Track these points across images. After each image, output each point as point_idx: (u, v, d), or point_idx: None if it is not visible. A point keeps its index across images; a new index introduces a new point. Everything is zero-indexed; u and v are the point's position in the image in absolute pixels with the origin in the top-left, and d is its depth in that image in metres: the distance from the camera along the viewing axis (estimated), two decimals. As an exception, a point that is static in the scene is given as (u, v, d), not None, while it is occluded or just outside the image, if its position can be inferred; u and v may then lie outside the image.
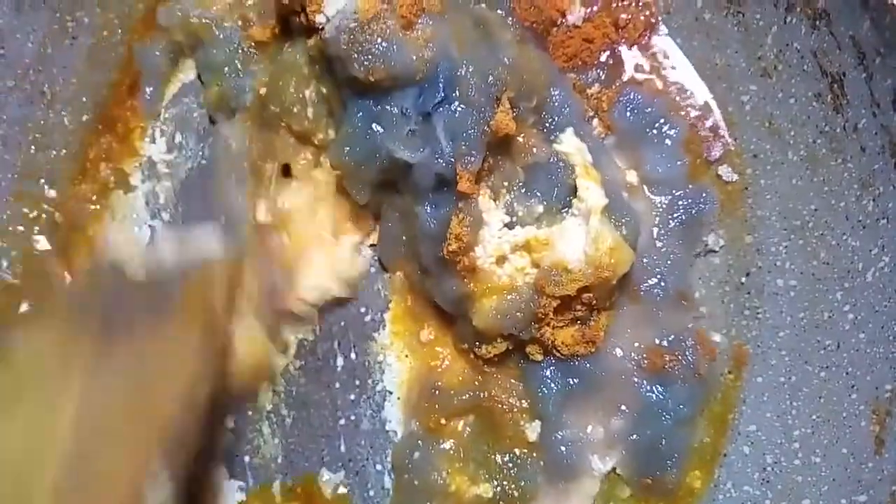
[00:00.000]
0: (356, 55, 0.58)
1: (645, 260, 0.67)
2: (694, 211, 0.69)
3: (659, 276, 0.67)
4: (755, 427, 0.67)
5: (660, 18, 0.71)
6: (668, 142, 0.69)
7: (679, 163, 0.69)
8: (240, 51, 0.71)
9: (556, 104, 0.65)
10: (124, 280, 0.58)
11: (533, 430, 0.66)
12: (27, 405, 0.51)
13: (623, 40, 0.71)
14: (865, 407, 0.61)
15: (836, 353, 0.64)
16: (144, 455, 0.51)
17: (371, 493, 0.70)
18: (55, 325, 0.55)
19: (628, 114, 0.70)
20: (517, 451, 0.67)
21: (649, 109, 0.69)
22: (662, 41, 0.72)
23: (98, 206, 0.74)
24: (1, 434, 0.50)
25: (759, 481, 0.67)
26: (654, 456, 0.66)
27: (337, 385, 0.71)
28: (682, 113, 0.70)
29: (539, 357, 0.65)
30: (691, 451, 0.67)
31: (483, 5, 0.65)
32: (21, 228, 0.72)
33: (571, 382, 0.65)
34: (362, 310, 0.72)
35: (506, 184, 0.63)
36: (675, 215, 0.69)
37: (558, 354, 0.64)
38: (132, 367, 0.54)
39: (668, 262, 0.68)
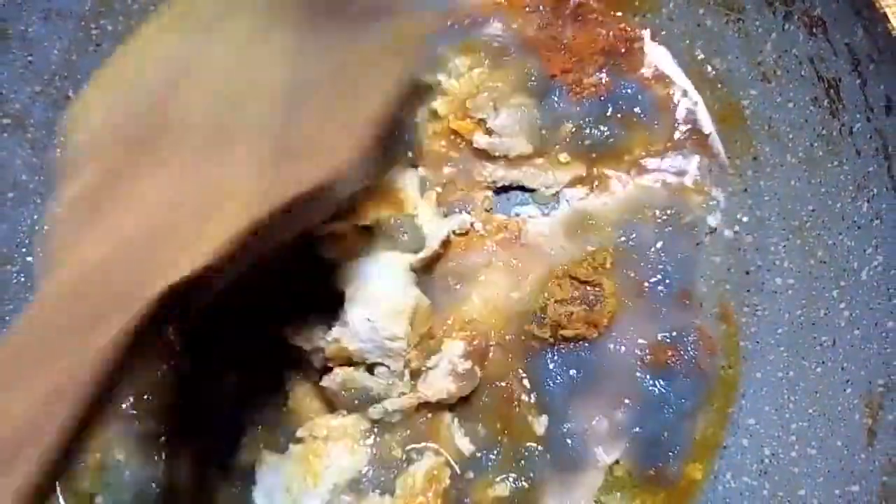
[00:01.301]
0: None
1: (651, 258, 0.70)
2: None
3: (663, 274, 0.70)
4: (754, 420, 0.70)
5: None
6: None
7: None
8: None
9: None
10: None
11: (541, 424, 0.68)
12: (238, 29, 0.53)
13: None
14: (859, 401, 0.63)
15: (831, 349, 0.66)
16: (358, 136, 0.52)
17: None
18: None
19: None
20: (529, 444, 0.69)
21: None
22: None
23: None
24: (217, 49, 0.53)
25: (757, 472, 0.69)
26: (656, 448, 0.68)
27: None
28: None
29: (546, 334, 0.67)
30: (692, 443, 0.69)
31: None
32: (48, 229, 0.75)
33: (575, 376, 0.68)
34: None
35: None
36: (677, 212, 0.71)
37: (564, 335, 0.66)
38: (338, 58, 0.54)
39: (674, 260, 0.70)
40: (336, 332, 0.64)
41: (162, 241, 0.47)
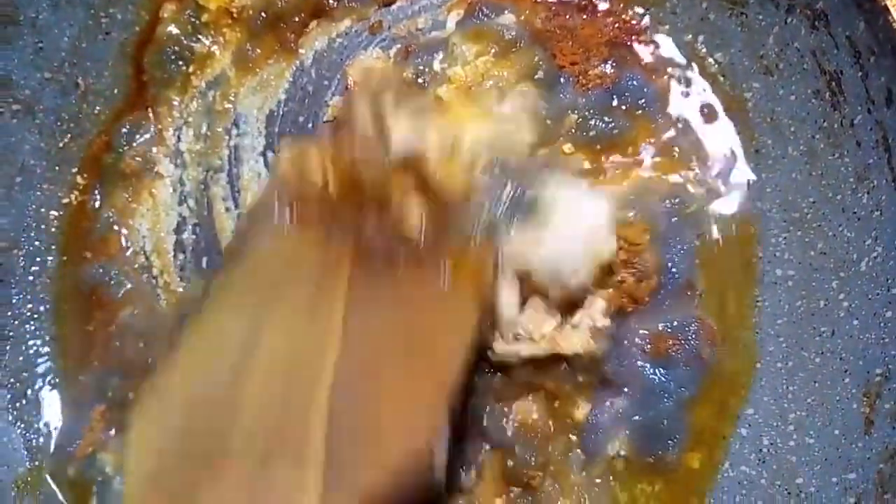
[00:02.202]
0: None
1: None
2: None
3: (671, 265, 0.70)
4: (753, 410, 0.70)
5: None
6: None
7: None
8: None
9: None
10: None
11: (581, 411, 0.69)
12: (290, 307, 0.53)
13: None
14: (857, 390, 0.64)
15: (830, 339, 0.67)
16: (434, 409, 0.50)
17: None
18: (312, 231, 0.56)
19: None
20: (569, 436, 0.70)
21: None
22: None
23: (128, 195, 0.78)
24: (272, 331, 0.52)
25: (755, 462, 0.69)
26: (656, 436, 0.69)
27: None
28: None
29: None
30: (691, 432, 0.70)
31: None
32: (55, 214, 0.76)
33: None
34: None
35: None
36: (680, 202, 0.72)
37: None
38: (402, 309, 0.53)
39: (677, 251, 0.71)
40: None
41: None
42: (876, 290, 0.64)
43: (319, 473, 0.48)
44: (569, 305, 0.67)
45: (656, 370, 0.68)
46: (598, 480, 0.70)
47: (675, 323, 0.69)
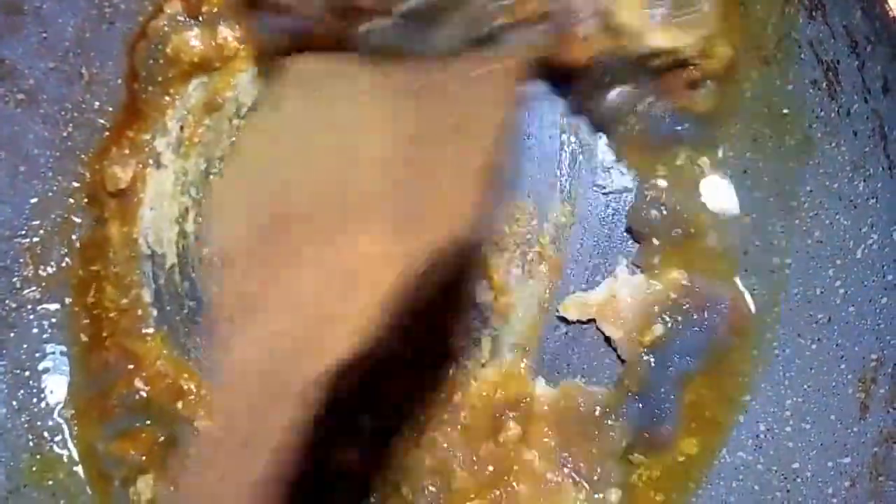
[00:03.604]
0: None
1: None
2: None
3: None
4: (749, 396, 0.71)
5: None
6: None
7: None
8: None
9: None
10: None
11: None
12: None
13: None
14: (853, 376, 0.65)
15: (827, 326, 0.67)
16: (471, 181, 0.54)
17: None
18: None
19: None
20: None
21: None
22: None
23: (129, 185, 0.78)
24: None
25: (752, 447, 0.70)
26: (651, 406, 0.71)
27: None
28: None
29: None
30: (689, 418, 0.71)
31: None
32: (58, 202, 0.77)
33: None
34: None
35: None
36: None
37: None
38: (438, 114, 0.57)
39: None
40: None
41: (316, 331, 0.50)
42: (872, 277, 0.64)
43: (390, 232, 0.52)
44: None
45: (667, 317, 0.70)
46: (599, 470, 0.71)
47: (710, 289, 0.71)
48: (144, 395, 0.74)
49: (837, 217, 0.67)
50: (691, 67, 0.69)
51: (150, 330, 0.76)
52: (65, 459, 0.74)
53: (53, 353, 0.76)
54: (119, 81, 0.78)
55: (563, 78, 0.71)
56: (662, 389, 0.70)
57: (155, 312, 0.77)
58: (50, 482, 0.73)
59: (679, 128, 0.72)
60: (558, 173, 0.75)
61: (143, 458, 0.74)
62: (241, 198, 0.56)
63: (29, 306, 0.76)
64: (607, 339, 0.72)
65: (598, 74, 0.70)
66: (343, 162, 0.55)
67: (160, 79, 0.78)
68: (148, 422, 0.74)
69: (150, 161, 0.78)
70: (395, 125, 0.56)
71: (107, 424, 0.75)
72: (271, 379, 0.48)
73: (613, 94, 0.71)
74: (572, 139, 0.75)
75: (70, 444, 0.75)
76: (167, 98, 0.78)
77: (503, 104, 0.59)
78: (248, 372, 0.49)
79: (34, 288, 0.76)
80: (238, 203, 0.56)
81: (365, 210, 0.53)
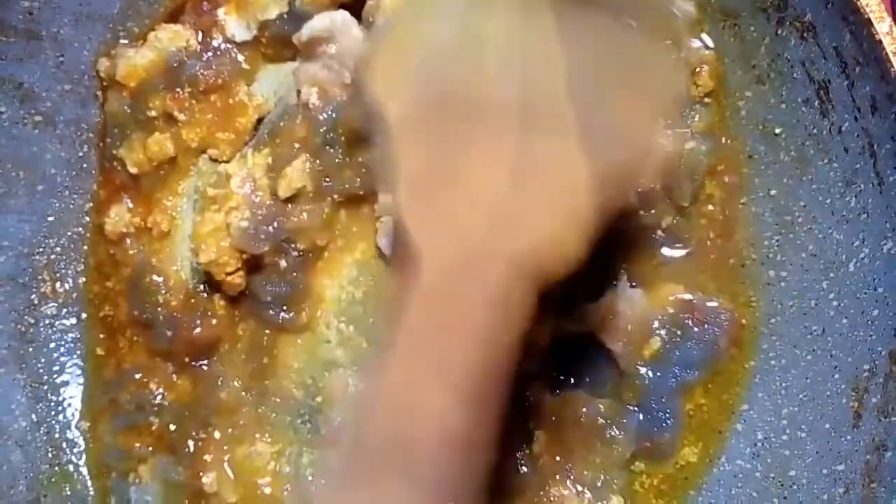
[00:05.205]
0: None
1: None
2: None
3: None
4: (747, 406, 0.73)
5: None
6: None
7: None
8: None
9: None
10: None
11: None
12: None
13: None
14: (846, 385, 0.66)
15: (821, 337, 0.69)
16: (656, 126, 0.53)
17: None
18: None
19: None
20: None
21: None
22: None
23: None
24: None
25: (750, 455, 0.72)
26: (651, 416, 0.73)
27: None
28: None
29: None
30: (688, 427, 0.73)
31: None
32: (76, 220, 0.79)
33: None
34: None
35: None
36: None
37: None
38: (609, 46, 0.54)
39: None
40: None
41: (506, 229, 0.47)
42: (864, 289, 0.66)
43: (579, 145, 0.48)
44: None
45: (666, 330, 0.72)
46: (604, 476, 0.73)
47: (710, 302, 0.73)
48: (160, 398, 0.76)
49: (830, 231, 0.69)
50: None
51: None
52: (82, 470, 0.77)
53: (72, 366, 0.78)
54: (133, 102, 0.80)
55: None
56: (662, 400, 0.72)
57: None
58: (68, 492, 0.76)
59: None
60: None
61: (150, 448, 0.76)
62: (407, 67, 0.51)
63: (47, 321, 0.78)
64: (607, 351, 0.74)
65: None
66: (520, 61, 0.51)
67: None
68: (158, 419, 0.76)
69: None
70: (565, 42, 0.51)
71: (117, 419, 0.76)
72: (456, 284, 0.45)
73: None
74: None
75: (85, 457, 0.77)
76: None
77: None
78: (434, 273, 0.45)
79: (51, 303, 0.78)
80: (404, 69, 0.51)
81: (551, 118, 0.49)
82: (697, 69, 0.73)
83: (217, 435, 0.74)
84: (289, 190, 0.72)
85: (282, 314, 0.74)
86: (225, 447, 0.75)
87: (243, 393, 0.76)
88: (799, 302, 0.71)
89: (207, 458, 0.74)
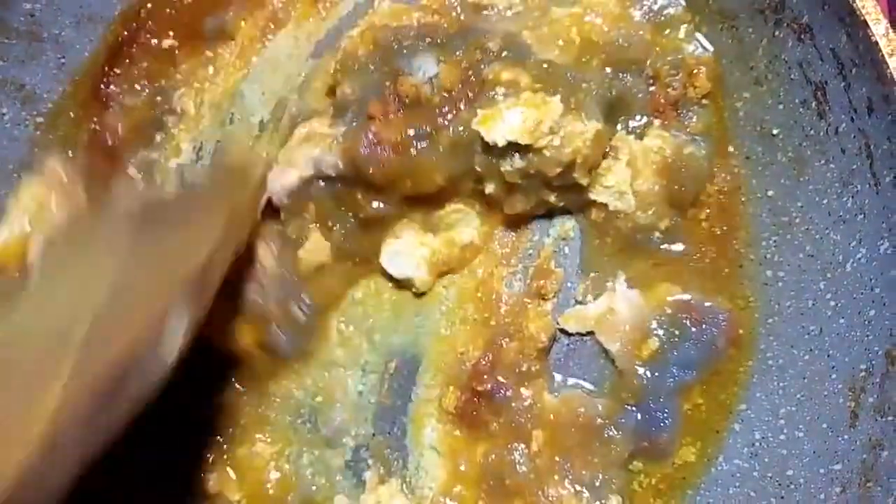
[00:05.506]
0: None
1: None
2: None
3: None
4: (745, 406, 0.73)
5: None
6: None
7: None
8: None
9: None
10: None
11: None
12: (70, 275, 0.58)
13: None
14: (843, 385, 0.67)
15: (818, 337, 0.70)
16: (167, 296, 0.56)
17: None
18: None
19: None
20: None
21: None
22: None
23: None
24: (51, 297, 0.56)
25: (747, 455, 0.73)
26: (649, 415, 0.73)
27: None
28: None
29: None
30: (686, 426, 0.74)
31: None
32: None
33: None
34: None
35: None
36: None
37: None
38: (164, 240, 0.60)
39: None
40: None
41: None
42: (860, 290, 0.66)
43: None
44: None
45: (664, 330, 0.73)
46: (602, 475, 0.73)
47: (707, 303, 0.73)
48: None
49: (827, 232, 0.69)
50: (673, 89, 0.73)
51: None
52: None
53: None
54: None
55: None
56: (660, 399, 0.72)
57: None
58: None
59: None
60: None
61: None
62: None
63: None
64: (605, 351, 0.74)
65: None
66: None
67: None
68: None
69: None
70: (118, 265, 0.58)
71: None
72: None
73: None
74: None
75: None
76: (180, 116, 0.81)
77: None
78: None
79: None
80: None
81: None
82: (695, 71, 0.73)
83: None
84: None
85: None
86: (225, 447, 0.75)
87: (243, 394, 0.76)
88: (796, 302, 0.72)
89: (209, 457, 0.75)
